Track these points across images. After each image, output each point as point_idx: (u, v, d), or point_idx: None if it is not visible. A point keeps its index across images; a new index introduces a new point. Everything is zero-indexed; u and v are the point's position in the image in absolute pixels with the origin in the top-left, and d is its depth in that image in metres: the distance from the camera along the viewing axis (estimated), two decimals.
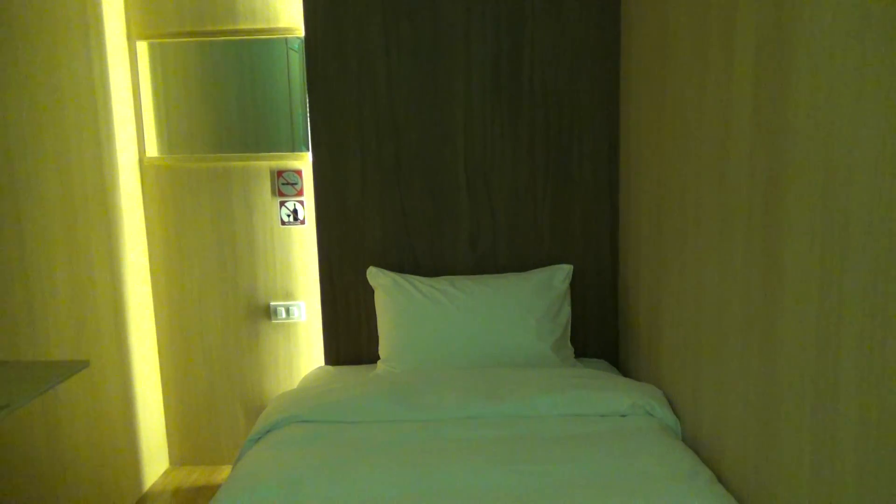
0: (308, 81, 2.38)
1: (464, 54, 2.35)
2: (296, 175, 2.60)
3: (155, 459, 2.73)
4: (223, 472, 2.77)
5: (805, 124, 1.16)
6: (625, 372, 2.37)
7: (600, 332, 2.46)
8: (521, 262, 2.43)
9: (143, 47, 2.58)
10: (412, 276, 2.36)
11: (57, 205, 2.12)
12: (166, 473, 2.78)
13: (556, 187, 2.39)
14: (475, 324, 2.20)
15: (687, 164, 1.70)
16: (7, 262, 1.88)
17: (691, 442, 1.73)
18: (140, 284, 2.64)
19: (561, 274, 2.33)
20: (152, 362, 2.72)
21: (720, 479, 1.52)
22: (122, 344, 2.50)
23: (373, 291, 2.41)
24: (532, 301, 2.24)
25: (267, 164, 2.62)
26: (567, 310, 2.32)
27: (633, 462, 1.54)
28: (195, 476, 2.76)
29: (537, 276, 2.32)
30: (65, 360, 2.10)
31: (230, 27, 2.56)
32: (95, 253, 2.33)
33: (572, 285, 2.39)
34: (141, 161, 2.64)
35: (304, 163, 2.61)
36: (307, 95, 2.41)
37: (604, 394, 1.86)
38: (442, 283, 2.30)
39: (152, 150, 2.65)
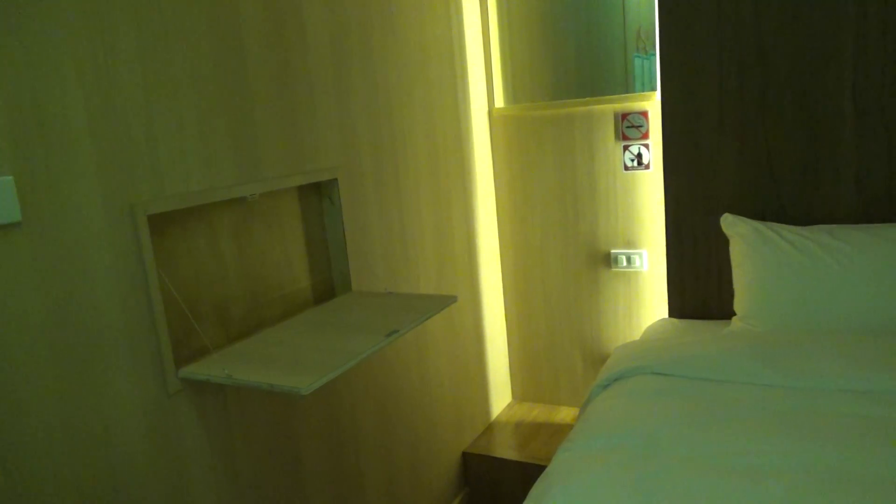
0: (660, 12, 2.20)
1: None
2: (641, 117, 2.47)
3: (500, 392, 2.94)
4: (561, 412, 2.86)
5: None
6: None
7: None
8: None
9: (492, 1, 2.68)
10: (777, 224, 2.06)
11: (424, 156, 2.34)
12: (509, 406, 2.98)
13: None
14: (862, 282, 1.84)
15: None
16: (388, 208, 2.15)
17: None
18: (489, 229, 2.82)
19: None
20: (498, 303, 2.91)
21: None
22: (474, 284, 2.71)
23: (726, 241, 2.18)
24: None
25: (610, 107, 2.53)
26: None
27: None
28: (535, 412, 2.90)
29: None
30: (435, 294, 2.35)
31: None
32: (453, 199, 2.54)
33: None
34: (490, 112, 2.78)
35: (650, 103, 2.45)
36: (658, 29, 2.24)
37: None
38: (817, 232, 1.97)
39: (499, 100, 2.76)
